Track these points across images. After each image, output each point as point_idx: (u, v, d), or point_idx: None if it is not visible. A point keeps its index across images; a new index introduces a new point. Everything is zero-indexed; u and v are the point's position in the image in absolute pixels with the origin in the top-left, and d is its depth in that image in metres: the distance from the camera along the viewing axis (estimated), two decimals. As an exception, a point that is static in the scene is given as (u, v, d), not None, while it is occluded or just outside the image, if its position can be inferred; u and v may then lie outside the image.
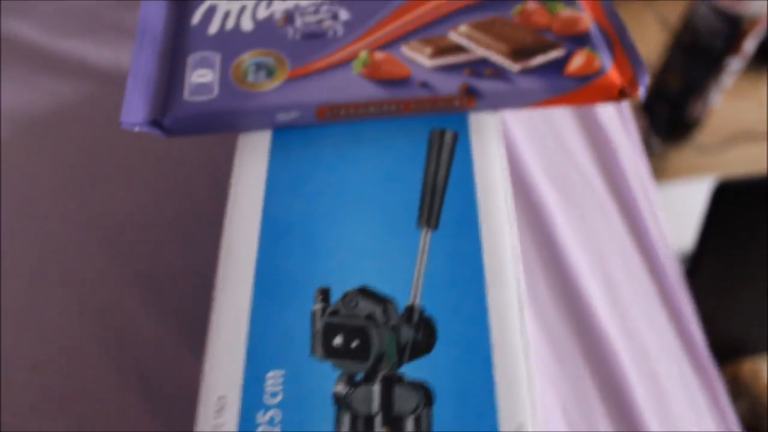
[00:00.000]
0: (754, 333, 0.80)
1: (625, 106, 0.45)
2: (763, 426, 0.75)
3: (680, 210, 0.92)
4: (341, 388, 0.20)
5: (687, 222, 0.85)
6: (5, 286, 0.31)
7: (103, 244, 0.33)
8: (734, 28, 0.91)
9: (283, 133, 0.26)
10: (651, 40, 1.21)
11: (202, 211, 0.34)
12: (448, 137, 0.25)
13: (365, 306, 0.21)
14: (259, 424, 0.20)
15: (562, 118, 0.41)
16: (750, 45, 0.95)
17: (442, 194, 0.24)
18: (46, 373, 0.30)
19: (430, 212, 0.23)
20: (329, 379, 0.20)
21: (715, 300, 0.77)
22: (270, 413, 0.20)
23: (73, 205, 0.34)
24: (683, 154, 1.13)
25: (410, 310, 0.21)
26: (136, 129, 0.24)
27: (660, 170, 1.11)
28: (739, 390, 0.78)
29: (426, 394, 0.20)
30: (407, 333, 0.21)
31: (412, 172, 0.24)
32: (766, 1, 0.88)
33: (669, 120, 1.11)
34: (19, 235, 0.33)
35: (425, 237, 0.23)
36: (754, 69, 1.19)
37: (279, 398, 0.20)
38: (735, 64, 0.98)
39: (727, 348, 0.80)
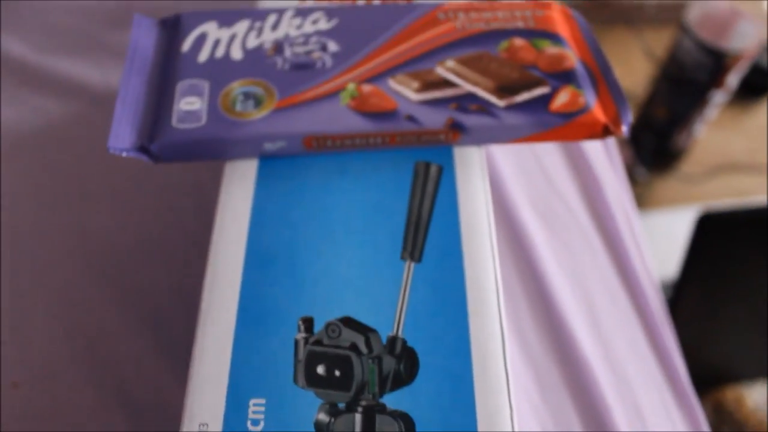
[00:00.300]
0: (737, 361, 0.81)
1: (610, 138, 0.46)
2: (746, 454, 0.75)
3: (664, 238, 0.93)
4: (323, 417, 0.20)
5: (670, 250, 0.86)
6: (-12, 306, 0.31)
7: (87, 264, 0.33)
8: (718, 62, 0.93)
9: (269, 163, 0.26)
10: (637, 72, 1.23)
11: (187, 234, 0.34)
12: (433, 170, 0.25)
13: (348, 336, 0.21)
14: (240, 453, 0.20)
15: (548, 150, 0.42)
16: (733, 79, 0.97)
17: (426, 227, 0.24)
18: (27, 391, 0.30)
19: (414, 245, 0.24)
20: (311, 407, 0.21)
21: (698, 328, 0.77)
22: (251, 442, 0.20)
23: (59, 223, 0.34)
24: (668, 184, 1.14)
25: (393, 340, 0.22)
26: (124, 154, 0.25)
27: (645, 199, 1.12)
28: (723, 417, 0.78)
29: (408, 424, 0.20)
30: (390, 363, 0.21)
31: (397, 204, 0.25)
32: (748, 37, 0.90)
33: (654, 150, 1.13)
34: (4, 253, 0.33)
35: (408, 269, 0.23)
36: (738, 102, 1.21)
37: (261, 426, 0.20)
38: (719, 97, 1.00)
39: (710, 375, 0.81)
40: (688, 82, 0.98)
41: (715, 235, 0.72)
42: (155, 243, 0.34)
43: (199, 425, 0.20)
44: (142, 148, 0.25)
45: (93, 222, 0.34)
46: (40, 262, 0.33)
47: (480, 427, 0.20)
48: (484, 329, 0.22)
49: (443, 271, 0.23)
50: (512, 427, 0.20)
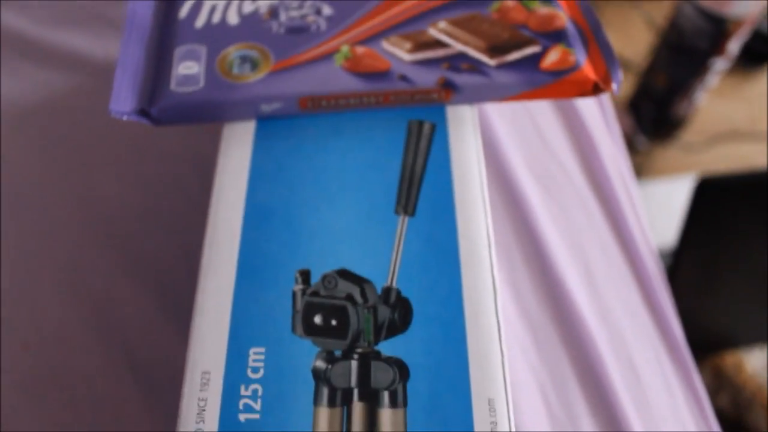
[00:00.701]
0: (736, 327, 0.81)
1: (608, 103, 0.46)
2: (744, 416, 0.76)
3: (665, 207, 0.93)
4: (321, 364, 0.21)
5: (671, 219, 0.87)
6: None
7: (93, 230, 0.34)
8: (718, 29, 0.93)
9: (266, 124, 0.27)
10: (638, 40, 1.23)
11: (189, 198, 0.35)
12: (426, 128, 0.26)
13: (344, 287, 0.22)
14: (242, 397, 0.21)
15: (544, 113, 0.42)
16: (734, 46, 0.97)
17: (419, 182, 0.25)
18: (37, 352, 0.31)
19: (407, 199, 0.24)
20: (309, 355, 0.21)
21: (697, 295, 0.78)
22: (252, 387, 0.21)
23: (64, 192, 0.35)
24: (669, 152, 1.14)
25: (387, 290, 0.22)
26: (125, 118, 0.25)
27: (646, 168, 1.13)
28: (721, 382, 0.79)
29: (402, 370, 0.21)
30: (384, 312, 0.22)
31: (391, 162, 0.25)
32: (749, 3, 0.89)
33: (655, 118, 1.12)
34: (12, 222, 0.34)
35: (402, 222, 0.24)
36: (739, 69, 1.21)
37: (261, 373, 0.21)
38: (719, 65, 1.00)
39: (709, 342, 0.81)
40: (688, 50, 0.98)
41: (714, 200, 0.72)
42: (159, 208, 0.35)
43: (202, 373, 0.21)
44: (143, 112, 0.26)
45: (97, 190, 0.35)
46: (46, 230, 0.34)
47: (472, 371, 0.21)
48: (476, 279, 0.23)
49: (436, 225, 0.24)
50: (503, 370, 0.21)
